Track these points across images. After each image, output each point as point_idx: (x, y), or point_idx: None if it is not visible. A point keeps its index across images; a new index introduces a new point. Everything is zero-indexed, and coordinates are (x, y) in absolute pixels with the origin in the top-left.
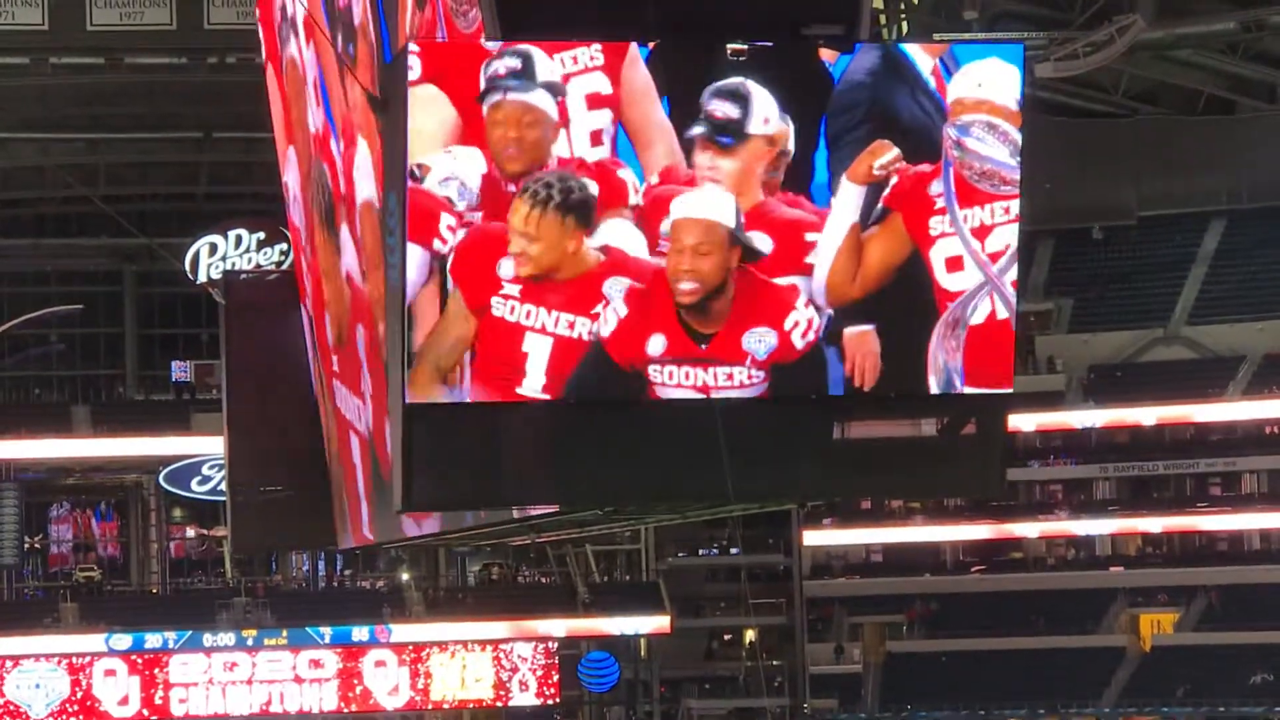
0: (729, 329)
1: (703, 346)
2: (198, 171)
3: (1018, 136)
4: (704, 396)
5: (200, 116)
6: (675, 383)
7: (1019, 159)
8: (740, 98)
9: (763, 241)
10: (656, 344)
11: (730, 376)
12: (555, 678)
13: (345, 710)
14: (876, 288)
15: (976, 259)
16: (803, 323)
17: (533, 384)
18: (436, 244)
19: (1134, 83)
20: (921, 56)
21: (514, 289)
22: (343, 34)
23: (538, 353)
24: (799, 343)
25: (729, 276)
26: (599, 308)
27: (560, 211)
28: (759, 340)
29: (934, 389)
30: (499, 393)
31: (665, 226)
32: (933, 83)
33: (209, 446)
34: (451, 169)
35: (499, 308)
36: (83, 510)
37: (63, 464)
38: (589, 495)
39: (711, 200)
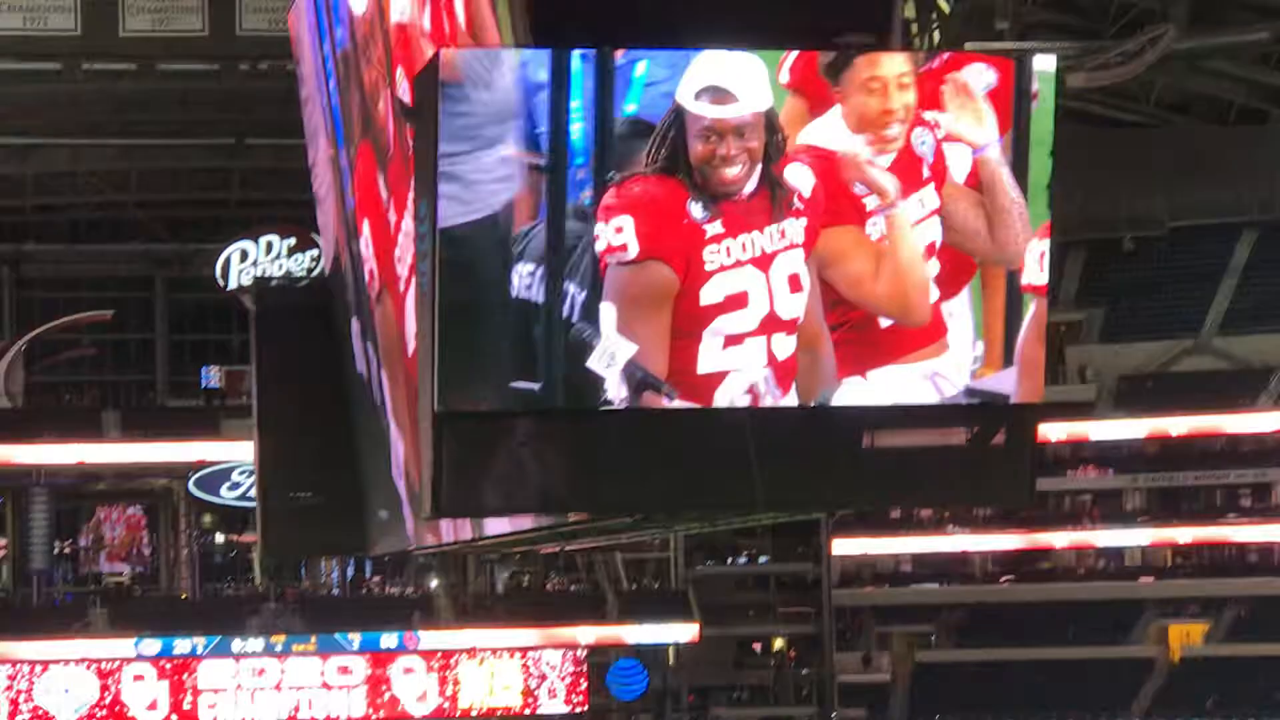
0: None
1: None
2: (229, 178)
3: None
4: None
5: (232, 123)
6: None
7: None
8: None
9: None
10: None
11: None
12: (584, 685)
13: (373, 717)
14: None
15: None
16: None
17: None
18: None
19: (1166, 93)
20: None
21: None
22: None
23: None
24: None
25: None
26: None
27: None
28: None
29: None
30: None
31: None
32: None
33: (239, 453)
34: None
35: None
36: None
37: (93, 469)
38: (618, 503)
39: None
